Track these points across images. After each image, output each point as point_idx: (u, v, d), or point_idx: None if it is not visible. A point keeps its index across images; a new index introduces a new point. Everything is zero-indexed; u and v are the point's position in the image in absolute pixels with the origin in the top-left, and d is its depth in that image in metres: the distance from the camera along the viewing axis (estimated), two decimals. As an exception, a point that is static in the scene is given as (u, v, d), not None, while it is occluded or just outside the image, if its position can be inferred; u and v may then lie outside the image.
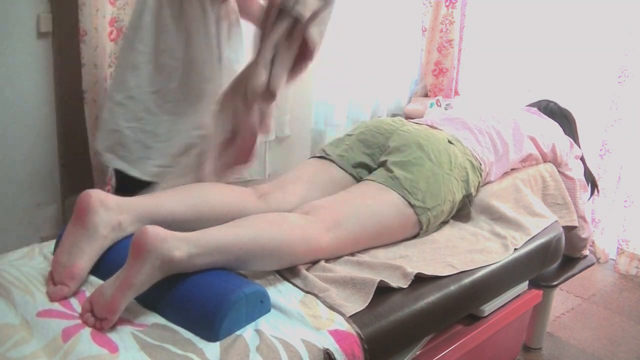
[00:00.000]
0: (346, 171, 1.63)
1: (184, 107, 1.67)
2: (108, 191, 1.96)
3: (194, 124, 1.69)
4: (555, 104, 2.11)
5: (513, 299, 1.69)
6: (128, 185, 1.65)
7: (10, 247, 1.41)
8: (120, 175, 1.75)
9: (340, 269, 1.34)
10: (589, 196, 1.99)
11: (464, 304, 1.43)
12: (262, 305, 1.16)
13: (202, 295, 1.11)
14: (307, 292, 1.24)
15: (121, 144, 1.67)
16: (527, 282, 1.73)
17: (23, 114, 1.66)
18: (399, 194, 1.48)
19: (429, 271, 1.37)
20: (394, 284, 1.30)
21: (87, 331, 1.07)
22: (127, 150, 1.67)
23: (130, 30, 1.63)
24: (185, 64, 1.62)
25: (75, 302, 1.16)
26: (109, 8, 1.97)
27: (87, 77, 1.99)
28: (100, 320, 1.08)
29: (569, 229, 1.83)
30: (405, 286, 1.31)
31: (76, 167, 2.10)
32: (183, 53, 1.60)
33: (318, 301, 1.22)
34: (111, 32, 2.00)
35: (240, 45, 1.74)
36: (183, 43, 1.59)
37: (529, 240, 1.61)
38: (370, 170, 1.62)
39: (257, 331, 1.11)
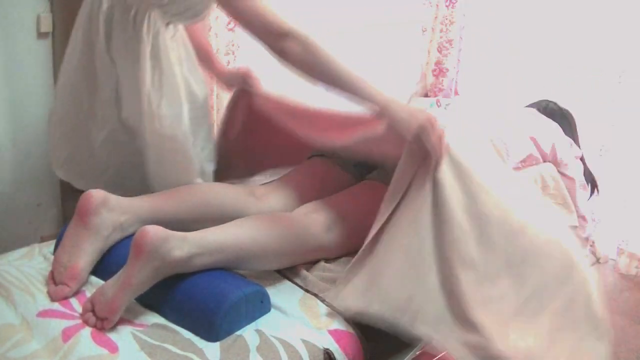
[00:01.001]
0: (347, 170, 1.63)
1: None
2: None
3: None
4: (555, 104, 2.11)
5: (513, 299, 1.68)
6: None
7: (10, 247, 1.41)
8: None
9: (340, 269, 1.34)
10: (588, 196, 1.99)
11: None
12: (262, 305, 1.16)
13: (201, 296, 1.11)
14: (307, 292, 1.24)
15: (120, 181, 1.55)
16: (527, 282, 1.72)
17: (23, 114, 1.66)
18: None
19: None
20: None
21: (87, 331, 1.07)
22: (130, 181, 1.56)
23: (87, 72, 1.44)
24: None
25: (75, 302, 1.16)
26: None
27: None
28: (101, 320, 1.08)
29: (568, 229, 1.83)
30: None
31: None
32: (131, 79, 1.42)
33: (318, 301, 1.22)
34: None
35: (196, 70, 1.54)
36: (132, 71, 1.40)
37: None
38: (370, 169, 1.62)
39: (257, 331, 1.11)
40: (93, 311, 1.10)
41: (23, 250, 1.36)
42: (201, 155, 1.54)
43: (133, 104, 1.41)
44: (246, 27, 1.27)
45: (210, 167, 1.57)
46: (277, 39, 1.22)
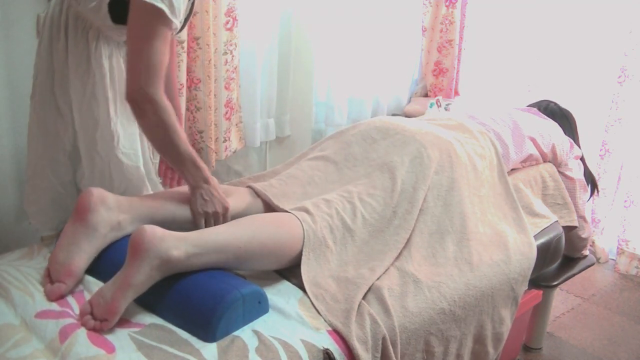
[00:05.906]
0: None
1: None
2: None
3: None
4: (556, 104, 2.11)
5: (512, 299, 1.68)
6: None
7: (10, 247, 1.41)
8: None
9: (339, 269, 1.34)
10: (589, 196, 1.99)
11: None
12: (260, 306, 1.16)
13: (199, 296, 1.11)
14: (306, 292, 1.24)
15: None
16: (527, 282, 1.73)
17: (23, 114, 1.66)
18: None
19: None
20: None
21: (83, 331, 1.07)
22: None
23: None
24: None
25: (73, 303, 1.16)
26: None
27: None
28: (100, 322, 1.08)
29: (569, 229, 1.83)
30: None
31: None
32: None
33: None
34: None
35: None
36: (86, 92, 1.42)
37: (528, 240, 1.61)
38: None
39: (256, 332, 1.11)
40: (92, 313, 1.09)
41: (23, 250, 1.36)
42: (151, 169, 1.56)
43: (89, 122, 1.41)
44: (130, 62, 1.27)
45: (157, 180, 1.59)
46: (144, 98, 1.24)
